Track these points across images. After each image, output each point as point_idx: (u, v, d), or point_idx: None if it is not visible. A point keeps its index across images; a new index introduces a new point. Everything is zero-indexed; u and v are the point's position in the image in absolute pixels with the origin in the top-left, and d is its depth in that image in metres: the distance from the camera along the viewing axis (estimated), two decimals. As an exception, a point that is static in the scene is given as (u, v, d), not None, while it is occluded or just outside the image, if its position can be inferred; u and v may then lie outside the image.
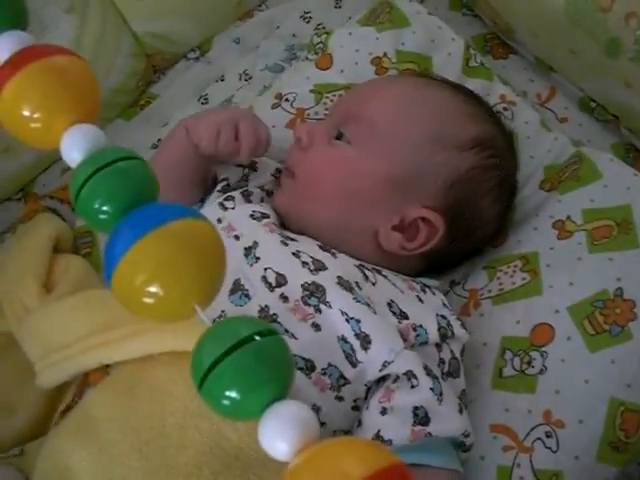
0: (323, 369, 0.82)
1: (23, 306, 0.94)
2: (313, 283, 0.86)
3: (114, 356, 0.82)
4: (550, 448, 0.88)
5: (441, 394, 0.83)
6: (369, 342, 0.83)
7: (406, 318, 0.87)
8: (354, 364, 0.83)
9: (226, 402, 0.43)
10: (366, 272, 0.91)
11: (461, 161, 0.96)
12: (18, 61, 0.52)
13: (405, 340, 0.85)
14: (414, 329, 0.87)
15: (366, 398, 0.85)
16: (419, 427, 0.81)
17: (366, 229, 0.95)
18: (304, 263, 0.88)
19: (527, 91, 1.22)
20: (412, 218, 0.94)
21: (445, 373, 0.88)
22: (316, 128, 0.99)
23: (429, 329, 0.87)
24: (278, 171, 1.05)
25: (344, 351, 0.84)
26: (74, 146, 0.49)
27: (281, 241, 0.91)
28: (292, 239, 0.92)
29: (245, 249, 0.90)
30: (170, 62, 1.30)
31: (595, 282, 0.94)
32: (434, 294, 0.95)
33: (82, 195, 0.47)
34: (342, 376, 0.83)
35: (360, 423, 0.84)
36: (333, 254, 0.92)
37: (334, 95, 1.13)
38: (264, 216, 0.95)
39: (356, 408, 0.85)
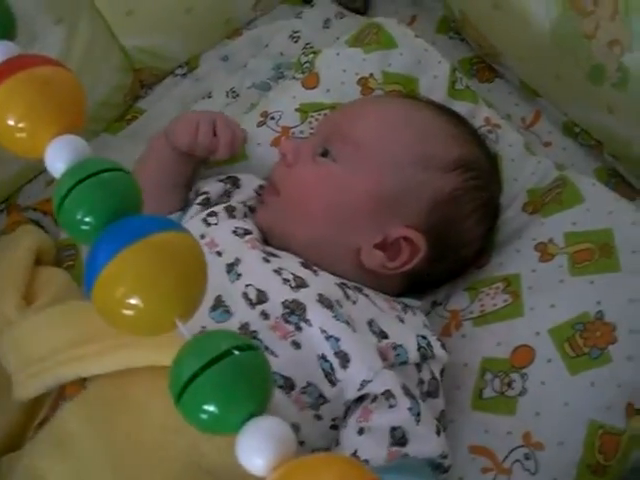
0: (303, 388, 0.82)
1: (3, 317, 0.93)
2: (294, 301, 0.86)
3: (92, 369, 0.81)
4: (529, 470, 0.88)
5: (419, 414, 0.83)
6: (348, 360, 0.83)
7: (386, 337, 0.87)
8: (333, 383, 0.83)
9: (204, 416, 0.43)
10: (347, 291, 0.91)
11: (444, 182, 0.96)
12: (4, 71, 0.52)
13: (385, 359, 0.85)
14: (394, 348, 0.87)
15: (345, 417, 0.84)
16: (396, 448, 0.81)
17: (348, 246, 0.95)
18: (285, 280, 0.88)
19: (512, 115, 1.22)
20: (394, 237, 0.94)
21: (424, 393, 0.87)
22: (302, 145, 1.00)
23: (409, 349, 0.87)
24: (261, 188, 1.05)
25: (324, 370, 0.83)
26: (58, 157, 0.49)
27: (263, 258, 0.91)
28: (274, 255, 0.92)
29: (227, 265, 0.90)
30: (158, 77, 1.30)
31: (576, 305, 0.94)
32: (415, 314, 0.95)
33: (64, 206, 0.47)
34: (321, 395, 0.83)
35: (338, 442, 0.84)
36: (314, 271, 0.92)
37: (319, 114, 1.13)
38: (247, 232, 0.95)
39: (335, 427, 0.84)
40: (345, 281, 0.93)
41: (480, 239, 1.02)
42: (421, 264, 0.95)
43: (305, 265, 0.92)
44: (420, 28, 1.30)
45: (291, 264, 0.91)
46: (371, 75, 1.15)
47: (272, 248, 0.95)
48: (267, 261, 0.90)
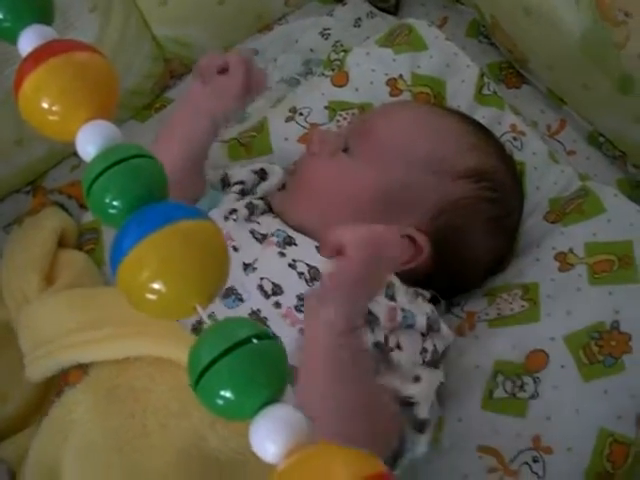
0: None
1: (24, 296, 0.95)
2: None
3: (92, 356, 0.84)
4: (536, 473, 0.88)
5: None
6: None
7: (394, 301, 0.88)
8: None
9: (220, 402, 0.43)
10: None
11: (454, 188, 0.96)
12: (40, 55, 0.53)
13: (391, 320, 0.86)
14: (402, 310, 0.87)
15: None
16: None
17: None
18: (300, 274, 0.89)
19: (537, 121, 1.22)
20: None
21: (426, 362, 0.87)
22: (328, 138, 1.01)
23: (417, 317, 0.88)
24: (284, 185, 1.06)
25: None
26: (89, 141, 0.50)
27: (279, 252, 0.91)
28: (291, 243, 0.93)
29: (244, 264, 0.91)
30: (187, 68, 1.31)
31: (593, 313, 0.95)
32: (424, 302, 0.94)
33: (94, 189, 0.48)
34: None
35: None
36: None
37: (347, 113, 1.14)
38: (264, 237, 0.95)
39: None
40: None
41: (492, 253, 1.01)
42: (425, 268, 0.94)
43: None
44: (450, 31, 1.30)
45: (306, 251, 0.92)
46: (400, 76, 1.16)
47: (290, 230, 0.95)
48: (282, 255, 0.91)
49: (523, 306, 0.98)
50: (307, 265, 0.90)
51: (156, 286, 0.45)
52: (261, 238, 0.94)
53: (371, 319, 0.85)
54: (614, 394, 0.90)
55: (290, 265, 0.90)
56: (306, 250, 0.92)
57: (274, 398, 0.43)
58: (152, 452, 0.77)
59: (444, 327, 0.91)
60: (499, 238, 1.01)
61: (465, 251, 0.98)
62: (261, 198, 1.02)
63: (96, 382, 0.83)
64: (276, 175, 1.06)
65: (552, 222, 1.07)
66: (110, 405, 0.80)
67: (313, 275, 0.89)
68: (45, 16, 0.59)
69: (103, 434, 0.78)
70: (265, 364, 0.44)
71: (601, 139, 1.18)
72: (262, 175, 1.06)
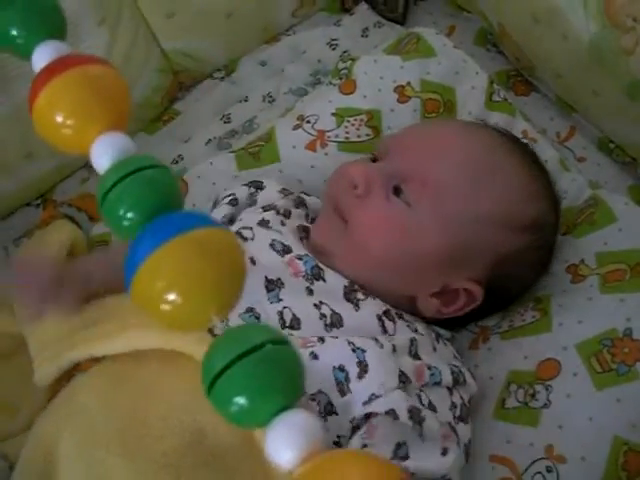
0: (312, 395, 0.82)
1: (35, 310, 0.95)
2: (321, 338, 0.86)
3: (103, 350, 0.84)
4: (550, 484, 0.87)
5: (421, 435, 0.82)
6: (366, 371, 0.83)
7: (419, 359, 0.88)
8: (343, 392, 0.82)
9: (234, 408, 0.43)
10: (386, 323, 0.90)
11: (512, 241, 0.94)
12: (54, 69, 0.53)
13: (419, 379, 0.85)
14: (429, 368, 0.87)
15: (350, 438, 0.83)
16: (396, 461, 0.80)
17: (405, 292, 0.94)
18: (322, 315, 0.88)
19: (547, 129, 1.22)
20: (455, 288, 0.93)
21: (457, 417, 0.87)
22: (373, 176, 0.93)
23: (443, 371, 0.88)
24: (284, 190, 1.05)
25: (336, 379, 0.83)
26: (104, 153, 0.50)
27: (306, 288, 0.90)
28: (319, 277, 0.91)
29: (267, 280, 0.90)
30: (196, 80, 1.32)
31: (605, 321, 0.94)
32: (445, 345, 0.95)
33: (107, 201, 0.48)
34: (330, 403, 0.82)
35: None
36: (356, 304, 0.90)
37: (355, 119, 1.13)
38: (285, 249, 0.93)
39: (338, 444, 0.83)
40: (387, 308, 0.92)
41: (533, 285, 1.02)
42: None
43: (348, 294, 0.91)
44: (458, 40, 1.29)
45: (334, 291, 0.90)
46: (408, 83, 1.15)
47: (319, 263, 0.92)
48: (310, 293, 0.90)
49: (534, 316, 0.98)
50: (331, 310, 0.89)
51: (171, 296, 0.45)
52: (281, 250, 0.93)
53: (404, 380, 0.84)
54: (628, 402, 0.89)
55: (315, 305, 0.89)
56: (334, 290, 0.91)
57: (289, 404, 0.43)
58: (151, 442, 0.77)
59: (468, 378, 0.92)
60: (541, 272, 1.02)
61: (512, 289, 1.00)
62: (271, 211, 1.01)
63: (107, 369, 0.84)
64: (274, 187, 1.05)
65: (563, 234, 1.07)
66: (115, 392, 0.81)
67: (334, 321, 0.88)
68: (58, 31, 0.59)
69: (105, 419, 0.79)
70: (280, 369, 0.44)
71: (611, 145, 1.17)
72: (258, 186, 1.05)
